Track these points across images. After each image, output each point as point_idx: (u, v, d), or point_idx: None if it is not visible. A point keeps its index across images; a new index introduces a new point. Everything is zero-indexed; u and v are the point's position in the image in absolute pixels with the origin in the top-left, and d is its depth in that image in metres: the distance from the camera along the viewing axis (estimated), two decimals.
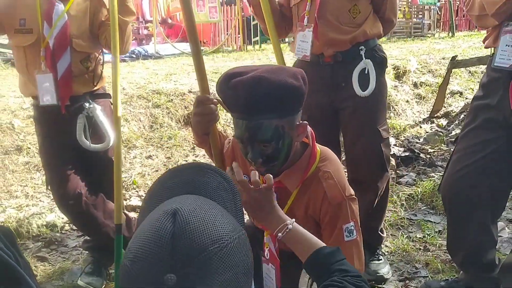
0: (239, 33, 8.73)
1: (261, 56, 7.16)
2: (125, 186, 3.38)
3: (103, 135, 2.17)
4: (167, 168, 3.65)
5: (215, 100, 1.37)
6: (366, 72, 2.04)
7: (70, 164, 2.19)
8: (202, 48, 8.98)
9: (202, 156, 3.85)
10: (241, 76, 1.23)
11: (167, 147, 3.90)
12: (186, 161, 3.79)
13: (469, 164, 1.80)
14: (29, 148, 3.52)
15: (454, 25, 10.06)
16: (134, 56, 7.46)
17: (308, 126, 1.33)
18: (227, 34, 9.07)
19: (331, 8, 2.04)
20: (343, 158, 2.44)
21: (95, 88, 2.23)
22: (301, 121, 1.30)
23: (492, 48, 1.75)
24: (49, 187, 2.27)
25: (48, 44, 2.02)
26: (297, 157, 1.36)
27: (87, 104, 2.14)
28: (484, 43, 1.78)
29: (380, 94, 2.16)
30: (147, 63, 6.66)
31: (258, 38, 8.83)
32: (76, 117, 2.13)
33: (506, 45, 1.57)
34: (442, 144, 4.04)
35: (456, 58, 4.64)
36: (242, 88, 1.21)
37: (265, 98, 1.20)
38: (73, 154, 2.20)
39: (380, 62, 2.14)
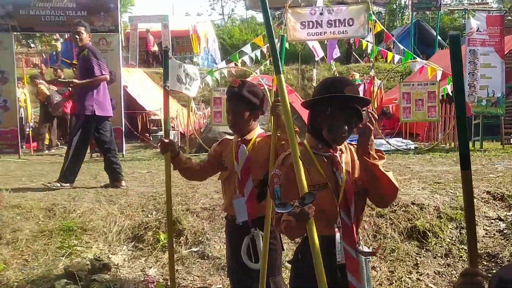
0: None
1: (484, 161, 6.80)
2: None
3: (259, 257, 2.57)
4: (390, 283, 3.75)
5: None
6: None
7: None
8: (417, 144, 8.97)
9: (425, 275, 3.83)
10: None
11: (390, 260, 4.00)
12: (410, 278, 3.82)
13: None
14: None
15: None
16: None
17: None
18: (444, 133, 8.88)
19: None
20: None
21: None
22: None
23: None
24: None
25: (238, 176, 2.61)
26: None
27: (253, 229, 2.59)
28: None
29: None
30: None
31: (479, 137, 8.41)
32: (244, 237, 2.61)
33: None
34: None
35: None
36: None
37: None
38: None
39: None
